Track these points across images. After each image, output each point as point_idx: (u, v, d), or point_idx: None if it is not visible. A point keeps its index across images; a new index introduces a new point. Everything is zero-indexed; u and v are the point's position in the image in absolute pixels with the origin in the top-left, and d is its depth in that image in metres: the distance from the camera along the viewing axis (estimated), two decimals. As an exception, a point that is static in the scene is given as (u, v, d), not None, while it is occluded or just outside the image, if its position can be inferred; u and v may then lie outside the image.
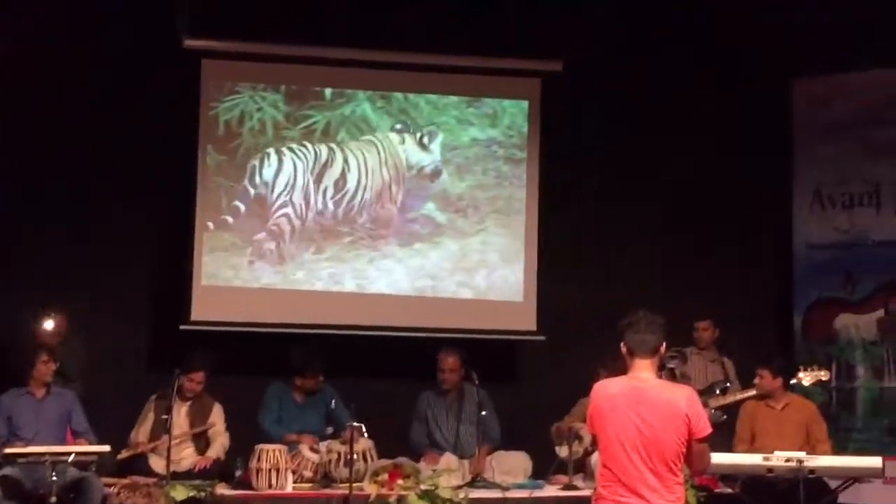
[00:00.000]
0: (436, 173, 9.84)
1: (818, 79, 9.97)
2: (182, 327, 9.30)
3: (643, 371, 5.29)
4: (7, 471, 7.48)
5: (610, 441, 5.22)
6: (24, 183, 9.18)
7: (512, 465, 8.51)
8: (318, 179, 9.69)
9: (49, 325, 8.59)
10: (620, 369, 5.36)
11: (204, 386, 8.52)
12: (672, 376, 7.41)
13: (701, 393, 6.92)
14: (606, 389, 5.33)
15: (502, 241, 9.89)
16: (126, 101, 9.35)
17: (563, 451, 8.50)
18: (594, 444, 8.08)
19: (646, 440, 5.14)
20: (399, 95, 9.86)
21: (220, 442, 8.50)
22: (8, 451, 7.46)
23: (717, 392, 8.95)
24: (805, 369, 8.72)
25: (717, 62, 9.85)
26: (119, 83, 9.35)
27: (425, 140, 9.84)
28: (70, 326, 8.72)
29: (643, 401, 5.19)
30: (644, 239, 9.96)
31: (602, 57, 9.79)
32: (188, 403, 8.52)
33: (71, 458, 7.37)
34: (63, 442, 7.78)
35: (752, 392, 8.65)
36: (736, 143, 9.97)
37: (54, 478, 7.22)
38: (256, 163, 9.61)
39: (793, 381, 8.59)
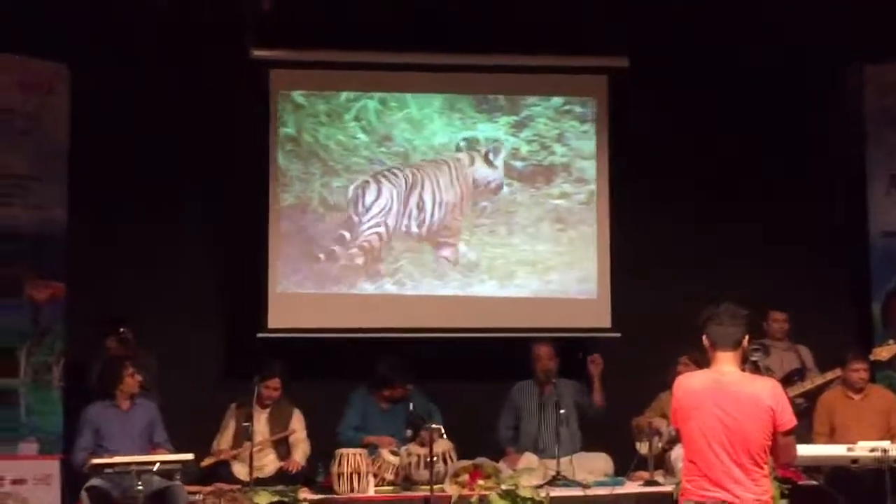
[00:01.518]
0: (499, 187, 9.82)
1: (888, 65, 9.85)
2: (260, 335, 9.37)
3: (726, 364, 5.27)
4: (95, 481, 7.62)
5: (694, 435, 5.21)
6: (98, 194, 9.27)
7: (593, 467, 8.50)
8: (405, 202, 9.74)
9: (119, 338, 8.72)
10: (704, 361, 5.34)
11: (281, 392, 8.58)
12: (756, 369, 7.35)
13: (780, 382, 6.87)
14: (689, 384, 5.32)
15: (574, 240, 9.86)
16: (199, 111, 9.42)
17: (643, 448, 8.48)
18: (673, 439, 8.12)
19: (730, 433, 5.12)
20: (469, 97, 9.87)
21: (301, 448, 8.56)
22: (95, 461, 7.56)
23: (796, 380, 8.89)
24: (880, 345, 8.63)
25: (785, 53, 9.76)
26: (192, 94, 9.44)
27: (490, 156, 9.84)
28: (138, 339, 8.84)
29: (726, 394, 5.18)
30: (716, 232, 9.89)
31: (668, 52, 9.75)
32: (268, 410, 8.59)
33: (156, 467, 7.47)
34: (148, 452, 7.88)
35: (833, 375, 8.57)
36: (808, 131, 9.89)
37: (140, 487, 7.31)
38: (346, 184, 9.69)
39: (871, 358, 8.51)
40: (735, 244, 9.87)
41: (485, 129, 9.87)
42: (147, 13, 9.07)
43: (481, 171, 9.86)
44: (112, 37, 9.21)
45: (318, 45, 9.54)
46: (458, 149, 9.83)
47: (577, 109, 9.98)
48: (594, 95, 9.96)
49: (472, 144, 9.84)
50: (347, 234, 9.64)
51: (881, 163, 9.90)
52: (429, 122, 9.82)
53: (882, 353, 8.58)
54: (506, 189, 9.86)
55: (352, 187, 9.67)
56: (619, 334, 9.71)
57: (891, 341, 8.69)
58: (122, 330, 8.70)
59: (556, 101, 9.95)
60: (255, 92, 9.52)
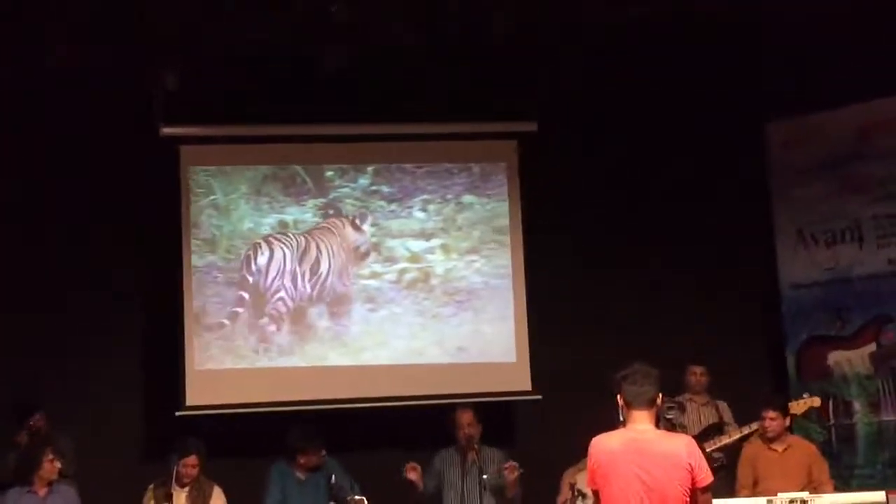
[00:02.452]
0: (366, 253, 9.85)
1: (789, 120, 10.06)
2: (178, 413, 9.27)
3: (641, 423, 5.31)
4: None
5: (613, 495, 5.22)
6: (8, 273, 9.18)
7: (516, 530, 8.47)
8: (300, 265, 9.72)
9: (30, 431, 8.60)
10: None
11: (200, 469, 8.46)
12: (671, 427, 7.39)
13: (697, 438, 6.91)
14: (606, 444, 5.34)
15: (490, 304, 9.90)
16: (110, 189, 9.42)
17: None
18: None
19: (650, 492, 5.15)
20: (374, 167, 9.92)
21: None
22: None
23: (713, 435, 8.95)
24: (795, 399, 8.74)
25: (689, 113, 9.93)
26: (101, 170, 9.44)
27: (357, 222, 9.87)
28: (50, 423, 8.71)
29: (644, 453, 5.21)
30: (630, 291, 9.99)
31: (577, 114, 9.89)
32: (187, 490, 8.46)
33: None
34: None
35: (750, 430, 8.65)
36: (714, 190, 10.05)
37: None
38: (250, 252, 9.67)
39: (786, 418, 8.61)
40: (653, 302, 9.97)
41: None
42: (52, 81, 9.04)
43: (352, 235, 9.89)
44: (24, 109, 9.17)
45: (227, 120, 9.53)
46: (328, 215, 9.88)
47: (487, 176, 10.06)
48: (504, 161, 10.05)
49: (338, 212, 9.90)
50: (256, 306, 9.62)
51: (787, 217, 10.08)
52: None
53: (796, 407, 8.68)
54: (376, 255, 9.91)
55: (249, 253, 9.68)
56: (539, 397, 9.73)
57: (805, 395, 8.79)
58: (31, 422, 8.59)
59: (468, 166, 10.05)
60: (164, 168, 9.48)
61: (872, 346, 9.71)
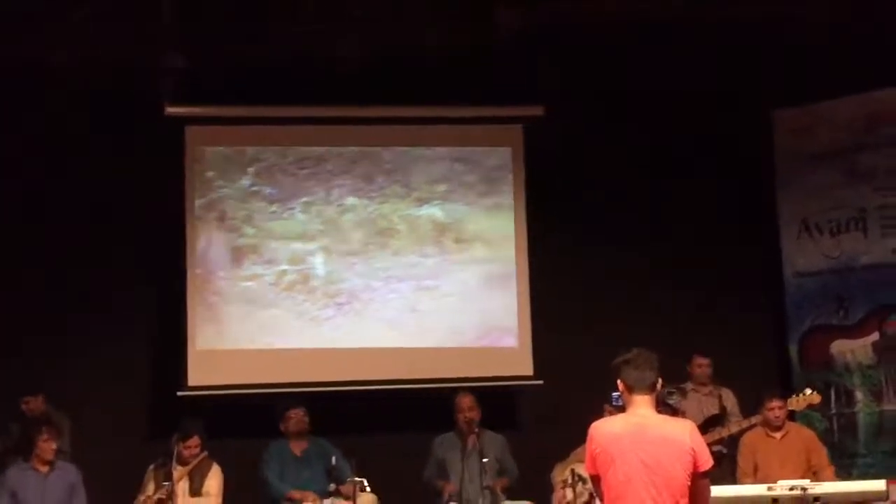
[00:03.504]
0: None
1: (798, 108, 10.04)
2: (179, 393, 9.28)
3: (643, 407, 5.30)
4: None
5: (617, 480, 5.19)
6: (11, 252, 9.20)
7: (516, 517, 8.49)
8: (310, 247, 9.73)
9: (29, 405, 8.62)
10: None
11: (201, 450, 8.49)
12: (672, 412, 7.40)
13: (698, 428, 6.92)
14: (609, 428, 5.32)
15: (494, 289, 9.90)
16: (118, 167, 9.41)
17: (568, 495, 8.46)
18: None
19: (654, 476, 5.14)
20: (381, 150, 9.91)
21: (207, 501, 8.43)
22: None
23: (714, 426, 8.94)
24: (795, 394, 8.75)
25: (696, 99, 9.89)
26: (105, 147, 9.41)
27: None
28: (49, 403, 8.74)
29: (648, 437, 5.20)
30: (633, 278, 9.98)
31: (583, 101, 9.87)
32: (187, 468, 8.48)
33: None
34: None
35: (751, 422, 8.67)
36: (721, 177, 10.03)
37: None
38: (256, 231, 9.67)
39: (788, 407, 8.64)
40: (657, 290, 9.95)
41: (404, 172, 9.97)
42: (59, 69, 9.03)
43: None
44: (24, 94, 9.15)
45: (233, 101, 9.52)
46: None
47: (493, 161, 10.04)
48: (510, 146, 10.04)
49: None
50: (264, 286, 9.60)
51: (792, 206, 10.07)
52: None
53: (796, 403, 8.68)
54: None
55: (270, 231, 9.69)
56: (541, 382, 9.73)
57: (807, 391, 8.78)
58: (25, 403, 8.62)
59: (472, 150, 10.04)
60: (170, 147, 9.48)
61: (875, 336, 9.72)
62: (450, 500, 8.53)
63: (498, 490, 8.63)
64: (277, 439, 8.87)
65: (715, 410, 9.14)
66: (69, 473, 8.11)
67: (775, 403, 8.55)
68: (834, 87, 9.73)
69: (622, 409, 5.42)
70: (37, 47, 8.68)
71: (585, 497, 8.41)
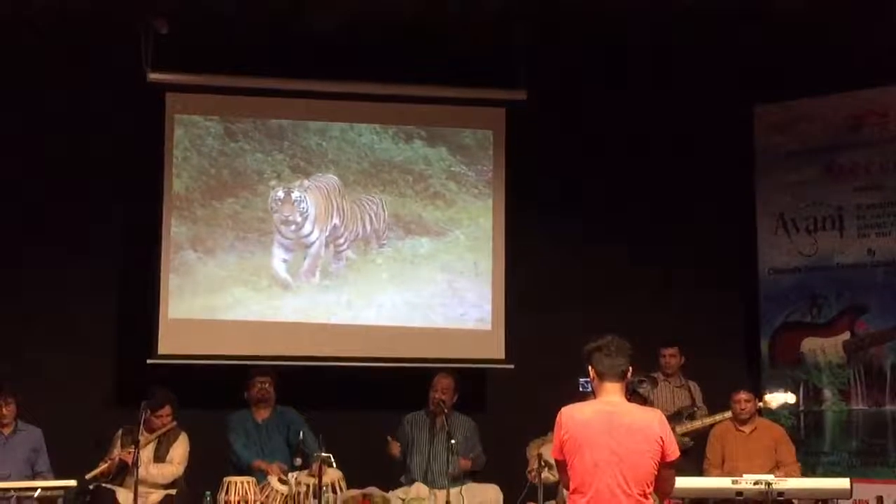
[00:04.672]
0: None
1: (778, 105, 10.05)
2: (150, 361, 9.25)
3: (613, 395, 5.30)
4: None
5: (585, 466, 5.19)
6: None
7: (484, 498, 8.48)
8: (287, 215, 9.69)
9: None
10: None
11: (173, 419, 8.46)
12: (643, 401, 7.41)
13: (669, 419, 6.93)
14: (579, 414, 5.31)
15: (469, 271, 9.89)
16: (92, 129, 9.38)
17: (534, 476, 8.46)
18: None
19: (621, 463, 5.14)
20: (361, 127, 9.88)
21: (172, 466, 8.42)
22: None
23: (685, 417, 8.98)
24: (771, 392, 8.78)
25: (677, 91, 9.90)
26: (85, 112, 9.37)
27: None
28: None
29: (617, 424, 5.20)
30: (608, 267, 9.98)
31: (564, 86, 9.86)
32: (154, 435, 8.45)
33: (37, 493, 7.32)
34: (31, 479, 7.70)
35: (722, 416, 8.70)
36: (699, 169, 10.01)
37: (21, 514, 7.17)
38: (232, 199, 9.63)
39: (759, 405, 8.67)
40: (629, 277, 9.97)
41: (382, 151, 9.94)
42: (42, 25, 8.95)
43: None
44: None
45: (215, 69, 9.47)
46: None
47: (474, 142, 10.03)
48: (492, 128, 10.02)
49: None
50: (238, 256, 9.57)
51: (770, 201, 10.09)
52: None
53: (771, 402, 8.72)
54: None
55: (248, 202, 9.66)
56: (511, 366, 9.74)
57: (781, 390, 8.83)
58: None
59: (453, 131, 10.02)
60: (149, 115, 9.42)
61: (846, 335, 9.75)
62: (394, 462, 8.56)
63: (466, 469, 8.65)
64: (240, 409, 8.86)
65: (687, 402, 9.18)
66: (33, 436, 8.09)
67: (742, 396, 8.60)
68: (816, 85, 9.73)
69: (590, 395, 5.42)
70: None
71: (552, 482, 8.44)
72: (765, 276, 10.09)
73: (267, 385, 8.84)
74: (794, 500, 7.61)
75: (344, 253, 9.78)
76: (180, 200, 9.53)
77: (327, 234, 9.75)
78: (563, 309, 9.73)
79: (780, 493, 7.17)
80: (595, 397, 5.36)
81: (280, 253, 9.67)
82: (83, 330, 9.40)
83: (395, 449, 8.73)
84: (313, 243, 9.72)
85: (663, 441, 5.20)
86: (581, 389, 7.65)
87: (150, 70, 9.20)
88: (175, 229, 9.49)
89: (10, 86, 9.18)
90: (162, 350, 9.33)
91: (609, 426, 5.20)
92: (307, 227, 9.71)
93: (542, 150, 9.99)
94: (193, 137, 9.63)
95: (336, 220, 9.77)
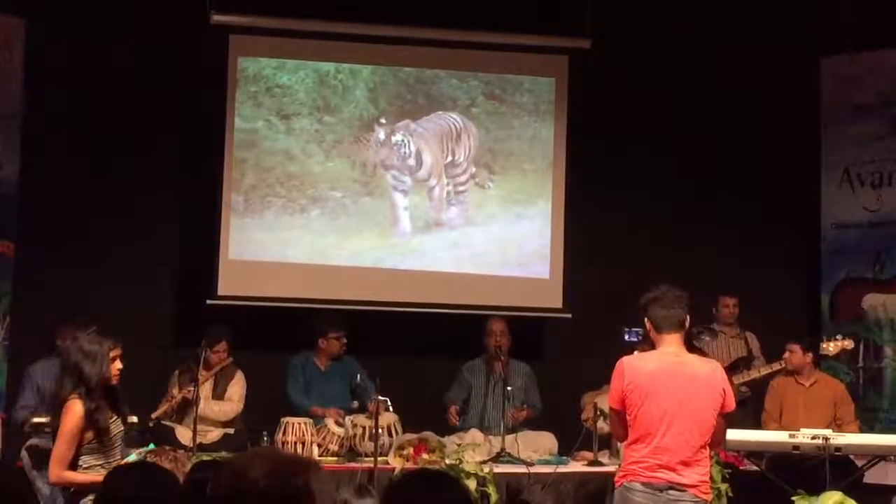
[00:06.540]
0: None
1: (846, 57, 9.89)
2: (209, 301, 9.32)
3: (672, 346, 5.29)
4: (35, 440, 7.55)
5: (651, 416, 5.18)
6: (51, 153, 9.17)
7: (538, 445, 8.50)
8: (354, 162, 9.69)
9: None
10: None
11: (228, 354, 8.54)
12: (701, 353, 7.37)
13: (725, 370, 6.92)
14: (643, 365, 5.30)
15: (528, 219, 9.86)
16: (153, 77, 9.36)
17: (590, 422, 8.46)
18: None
19: (688, 414, 5.14)
20: (427, 72, 9.84)
21: (229, 406, 8.53)
22: (36, 420, 7.51)
23: (742, 367, 8.95)
24: (829, 339, 8.71)
25: (744, 41, 9.79)
26: (149, 56, 9.36)
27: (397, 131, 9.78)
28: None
29: (683, 374, 5.20)
30: (670, 217, 9.93)
31: (628, 35, 9.77)
32: (212, 373, 8.54)
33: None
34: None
35: (778, 366, 8.64)
36: (764, 121, 9.92)
37: (81, 448, 7.24)
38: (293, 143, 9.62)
39: (819, 355, 8.60)
40: (690, 229, 9.92)
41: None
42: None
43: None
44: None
45: (279, 13, 9.45)
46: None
47: (536, 89, 9.96)
48: (555, 76, 9.94)
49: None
50: (301, 203, 9.60)
51: (836, 155, 9.96)
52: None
53: (830, 347, 8.66)
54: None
55: (314, 148, 9.63)
56: (569, 315, 9.72)
57: (839, 337, 8.76)
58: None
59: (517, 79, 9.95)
60: (213, 56, 9.43)
61: (910, 291, 9.63)
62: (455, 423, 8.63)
63: (519, 419, 8.67)
64: (302, 352, 8.91)
65: (743, 353, 9.14)
66: None
67: (792, 347, 8.52)
68: (884, 38, 9.56)
69: (637, 346, 5.41)
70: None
71: (606, 431, 8.45)
72: (828, 230, 9.97)
73: (344, 340, 8.88)
74: (851, 457, 7.57)
75: (407, 198, 9.75)
76: (242, 142, 9.54)
77: (389, 179, 9.74)
78: (623, 260, 9.67)
79: (838, 449, 7.13)
80: (651, 348, 5.35)
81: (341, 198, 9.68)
82: (142, 273, 9.43)
83: (455, 419, 8.75)
84: (374, 190, 9.73)
85: (725, 392, 5.20)
86: (626, 339, 7.61)
87: (213, 12, 9.20)
88: (237, 171, 9.52)
89: (74, 36, 9.18)
90: (222, 291, 9.38)
91: (675, 377, 5.20)
92: (366, 174, 9.70)
93: (607, 101, 9.90)
94: (258, 80, 9.62)
95: (397, 166, 9.75)
